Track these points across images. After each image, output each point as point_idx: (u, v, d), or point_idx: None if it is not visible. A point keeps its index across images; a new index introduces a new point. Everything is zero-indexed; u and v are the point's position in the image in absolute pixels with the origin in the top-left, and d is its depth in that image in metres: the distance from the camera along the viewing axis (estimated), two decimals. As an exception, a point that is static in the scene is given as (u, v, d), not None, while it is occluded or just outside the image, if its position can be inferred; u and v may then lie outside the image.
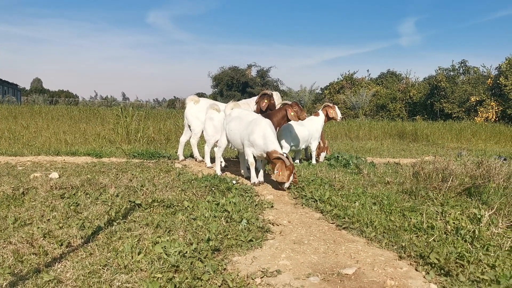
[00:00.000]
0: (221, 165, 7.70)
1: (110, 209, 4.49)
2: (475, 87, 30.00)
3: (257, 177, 6.57)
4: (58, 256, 3.29)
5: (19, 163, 7.96)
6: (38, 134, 12.85)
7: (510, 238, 3.84)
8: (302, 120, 7.64)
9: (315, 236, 4.13)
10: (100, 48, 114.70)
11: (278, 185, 6.21)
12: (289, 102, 7.71)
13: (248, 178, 6.76)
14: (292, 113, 7.46)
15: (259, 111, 7.97)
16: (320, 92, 40.98)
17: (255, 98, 8.44)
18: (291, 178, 6.05)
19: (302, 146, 8.65)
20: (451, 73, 33.05)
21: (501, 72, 28.30)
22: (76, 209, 4.50)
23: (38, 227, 3.86)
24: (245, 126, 6.51)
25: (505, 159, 8.63)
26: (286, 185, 6.08)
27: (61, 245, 3.49)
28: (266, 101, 7.97)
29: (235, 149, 7.14)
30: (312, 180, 6.50)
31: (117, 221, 4.13)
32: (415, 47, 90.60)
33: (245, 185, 6.21)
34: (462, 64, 33.41)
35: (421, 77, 40.07)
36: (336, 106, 9.23)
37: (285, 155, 6.07)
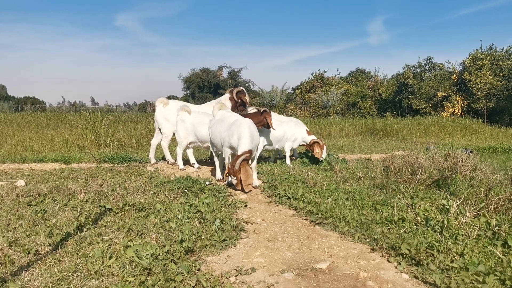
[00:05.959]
0: (194, 166, 7.60)
1: (79, 215, 4.37)
2: (441, 83, 30.81)
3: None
4: (25, 264, 3.18)
5: (-17, 172, 7.67)
6: (3, 142, 12.43)
7: (477, 226, 3.96)
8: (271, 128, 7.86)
9: (289, 233, 4.15)
10: (66, 53, 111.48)
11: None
12: (267, 110, 7.80)
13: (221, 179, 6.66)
14: (271, 122, 7.70)
15: (234, 107, 8.01)
16: (292, 91, 41.20)
17: (226, 97, 8.37)
18: (247, 181, 5.81)
19: (276, 146, 8.59)
20: (418, 69, 33.77)
21: (465, 68, 29.19)
22: (43, 216, 4.36)
23: (4, 236, 3.73)
24: (226, 127, 6.35)
25: (471, 152, 8.89)
26: (245, 189, 5.88)
27: (28, 253, 3.38)
28: (246, 98, 8.21)
29: (220, 152, 6.89)
30: (285, 178, 6.52)
31: (87, 227, 4.03)
32: (383, 46, 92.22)
33: (218, 186, 6.17)
34: (428, 61, 34.19)
35: (389, 75, 40.94)
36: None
37: (252, 159, 6.04)
